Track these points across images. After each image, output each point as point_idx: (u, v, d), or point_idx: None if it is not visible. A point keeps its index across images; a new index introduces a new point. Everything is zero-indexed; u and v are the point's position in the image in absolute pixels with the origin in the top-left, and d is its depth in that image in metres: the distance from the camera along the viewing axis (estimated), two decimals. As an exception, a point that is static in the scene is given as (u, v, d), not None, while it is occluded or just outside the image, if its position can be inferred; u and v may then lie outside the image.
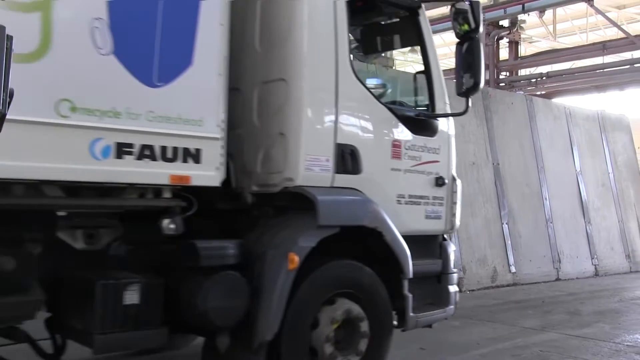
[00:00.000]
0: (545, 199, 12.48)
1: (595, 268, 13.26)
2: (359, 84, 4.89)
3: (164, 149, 4.00)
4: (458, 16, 4.99)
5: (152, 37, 3.98)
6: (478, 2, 4.96)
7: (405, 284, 4.91)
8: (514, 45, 17.97)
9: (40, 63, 3.59)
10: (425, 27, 5.39)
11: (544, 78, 17.44)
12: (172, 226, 4.13)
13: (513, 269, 11.64)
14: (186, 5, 4.14)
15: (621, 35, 18.23)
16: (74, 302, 4.00)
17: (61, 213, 3.93)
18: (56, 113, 3.63)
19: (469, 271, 10.85)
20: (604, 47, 19.04)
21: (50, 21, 3.62)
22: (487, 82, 15.36)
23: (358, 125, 4.88)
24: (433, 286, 5.34)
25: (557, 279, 12.45)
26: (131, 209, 4.17)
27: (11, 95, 2.82)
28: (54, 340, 4.43)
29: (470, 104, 5.07)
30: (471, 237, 11.10)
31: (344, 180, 4.75)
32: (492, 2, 16.62)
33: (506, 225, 11.71)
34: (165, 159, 4.01)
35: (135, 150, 3.90)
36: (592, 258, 13.21)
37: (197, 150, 4.14)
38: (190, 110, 4.13)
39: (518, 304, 9.75)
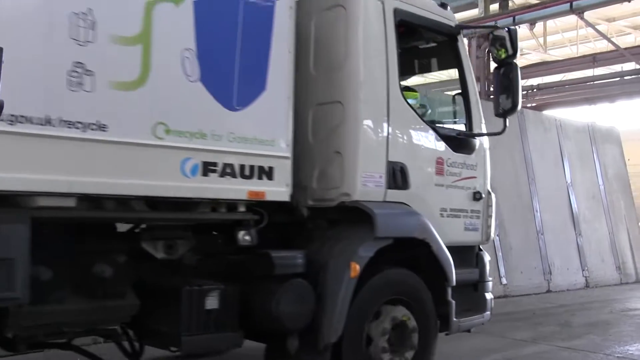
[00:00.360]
0: (536, 210, 12.55)
1: (586, 280, 13.37)
2: (407, 105, 5.30)
3: (242, 167, 4.37)
4: (496, 42, 5.43)
5: (232, 65, 4.34)
6: (515, 30, 5.41)
7: (449, 291, 5.31)
8: (505, 57, 18.01)
9: (140, 90, 3.94)
10: (463, 52, 5.81)
11: (535, 90, 17.59)
12: (247, 238, 4.49)
13: (504, 281, 11.68)
14: (261, 35, 4.50)
15: (611, 47, 18.54)
16: (159, 306, 4.34)
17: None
18: (153, 135, 3.99)
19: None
20: (594, 59, 19.40)
21: (149, 53, 3.98)
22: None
23: (406, 143, 5.27)
24: (470, 293, 5.74)
25: (548, 291, 12.56)
26: (209, 221, 4.53)
27: (1, 107, 3.08)
28: (131, 343, 4.77)
29: (507, 123, 5.49)
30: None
31: (394, 195, 5.14)
32: (482, 15, 16.87)
33: (497, 237, 11.68)
34: (243, 176, 4.38)
35: (219, 168, 4.27)
36: (583, 270, 13.30)
37: (270, 168, 4.52)
38: (264, 132, 4.51)
39: (509, 315, 9.73)
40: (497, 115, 5.47)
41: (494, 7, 17.48)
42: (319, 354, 4.61)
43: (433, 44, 6.02)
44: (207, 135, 4.21)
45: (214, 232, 4.88)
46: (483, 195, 5.82)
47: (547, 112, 16.70)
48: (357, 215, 4.93)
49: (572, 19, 17.91)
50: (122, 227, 4.59)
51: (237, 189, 4.36)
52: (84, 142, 3.72)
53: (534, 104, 17.91)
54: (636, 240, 14.89)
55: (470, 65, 5.87)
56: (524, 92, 17.68)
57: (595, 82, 18.64)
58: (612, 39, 19.47)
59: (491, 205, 5.91)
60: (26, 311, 3.64)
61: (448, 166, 5.53)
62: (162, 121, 4.01)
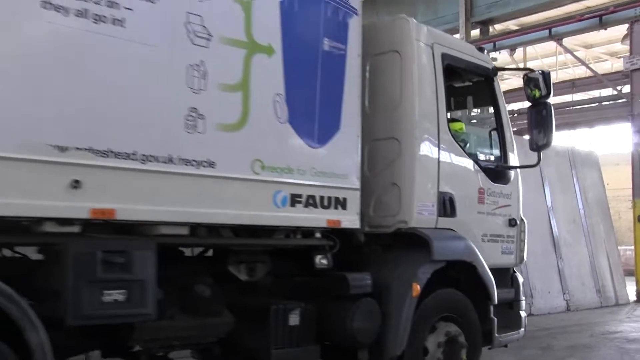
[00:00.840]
0: (518, 234, 12.54)
1: (567, 303, 13.41)
2: (453, 140, 5.89)
3: (322, 198, 4.92)
4: (530, 83, 6.05)
5: (314, 108, 4.91)
6: (549, 73, 6.03)
7: (491, 309, 5.88)
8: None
9: (241, 131, 4.49)
10: (499, 91, 6.43)
11: (516, 115, 17.14)
12: (324, 261, 5.03)
13: None
14: (336, 81, 5.09)
15: (589, 73, 19.21)
16: (247, 324, 4.83)
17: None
18: (251, 170, 4.53)
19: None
20: (573, 85, 20.11)
21: (248, 98, 4.53)
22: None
23: (454, 175, 5.86)
24: (506, 311, 6.30)
25: (530, 314, 12.44)
26: (289, 247, 5.06)
27: None
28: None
29: (541, 157, 6.11)
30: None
31: (443, 222, 5.71)
32: (463, 39, 17.01)
33: None
34: (322, 206, 4.93)
35: (303, 199, 4.81)
36: (564, 293, 13.33)
37: (344, 199, 5.08)
38: (339, 167, 5.07)
39: None
40: (532, 149, 6.09)
41: (475, 32, 17.89)
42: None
43: (471, 83, 6.62)
44: (294, 170, 4.75)
45: (286, 256, 5.40)
46: (517, 222, 6.41)
47: (527, 137, 16.88)
48: (410, 240, 5.49)
49: (552, 45, 18.55)
50: (192, 251, 5.15)
51: (318, 218, 4.91)
52: (197, 178, 4.25)
53: (514, 129, 18.12)
54: (615, 263, 14.95)
55: (505, 104, 6.48)
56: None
57: (574, 107, 19.24)
58: (590, 65, 20.09)
59: (523, 231, 6.52)
60: (149, 326, 4.13)
61: (488, 195, 6.12)
62: (258, 158, 4.55)
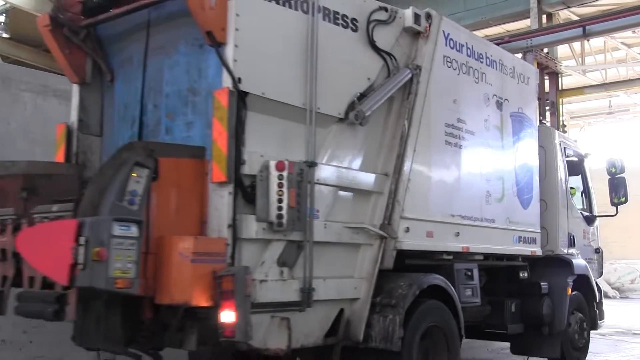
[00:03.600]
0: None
1: None
2: (571, 199, 9.70)
3: (527, 238, 8.57)
4: (609, 163, 9.98)
5: (524, 186, 8.56)
6: (622, 160, 9.99)
7: (594, 304, 9.73)
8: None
9: (502, 202, 8.07)
10: (587, 169, 10.34)
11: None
12: (525, 274, 8.67)
13: None
14: (531, 168, 8.76)
15: None
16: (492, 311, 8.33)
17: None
18: (506, 223, 8.12)
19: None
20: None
21: (504, 185, 8.14)
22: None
23: (573, 222, 9.67)
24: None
25: None
26: (506, 266, 8.67)
27: None
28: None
29: (617, 211, 10.06)
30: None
31: (571, 250, 9.50)
32: (536, 27, 16.93)
33: None
34: (527, 243, 8.58)
35: (522, 239, 8.44)
36: None
37: (534, 239, 8.74)
38: (532, 220, 8.73)
39: None
40: (612, 204, 10.02)
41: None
42: (556, 335, 8.82)
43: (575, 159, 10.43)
44: (518, 223, 8.38)
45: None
46: (600, 251, 10.32)
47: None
48: (549, 262, 9.18)
49: None
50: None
51: (527, 249, 8.56)
52: (488, 229, 7.79)
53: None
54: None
55: (590, 177, 10.42)
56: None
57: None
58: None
59: (602, 257, 10.44)
60: (474, 309, 7.57)
61: (587, 234, 9.99)
62: (508, 217, 8.16)
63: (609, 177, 10.14)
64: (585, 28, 15.62)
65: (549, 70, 14.89)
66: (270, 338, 5.22)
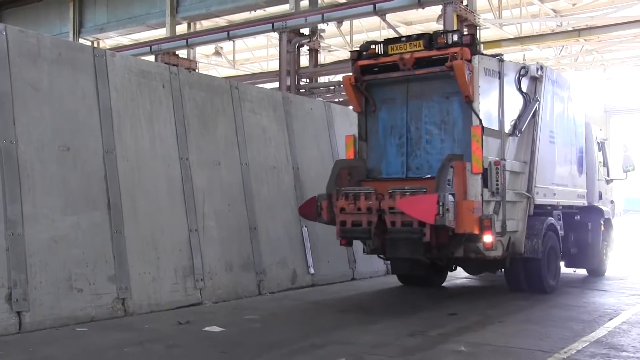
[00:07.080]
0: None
1: (387, 267, 14.11)
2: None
3: (581, 194, 13.93)
4: (627, 160, 15.61)
5: (579, 164, 13.79)
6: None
7: (612, 235, 15.36)
8: (314, 53, 18.79)
9: (582, 177, 13.38)
10: (607, 148, 15.86)
11: (342, 86, 15.74)
12: (578, 217, 14.11)
13: (312, 270, 12.39)
14: (583, 153, 14.05)
15: None
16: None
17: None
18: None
19: (269, 273, 11.48)
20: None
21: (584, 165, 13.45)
22: (288, 88, 17.20)
23: (600, 183, 15.15)
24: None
25: (353, 279, 13.34)
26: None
27: None
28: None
29: (627, 177, 15.70)
30: (272, 239, 11.74)
31: (599, 202, 14.98)
32: (293, 10, 18.48)
33: (305, 228, 12.39)
34: (581, 197, 13.97)
35: (579, 195, 13.78)
36: None
37: (583, 195, 14.14)
38: (583, 184, 14.02)
39: (315, 304, 10.37)
40: (623, 172, 15.58)
41: (304, 3, 18.99)
42: (595, 254, 14.37)
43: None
44: (577, 186, 13.65)
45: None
46: (613, 202, 15.95)
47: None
48: (586, 208, 14.43)
49: (376, 19, 19.13)
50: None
51: (580, 202, 13.95)
52: (566, 190, 13.06)
53: (341, 99, 18.43)
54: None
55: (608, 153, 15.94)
56: (332, 87, 18.72)
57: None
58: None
59: (614, 205, 16.04)
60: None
61: (606, 192, 15.57)
62: (574, 183, 13.45)
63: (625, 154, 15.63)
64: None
65: (467, 23, 15.60)
66: (498, 249, 10.55)
